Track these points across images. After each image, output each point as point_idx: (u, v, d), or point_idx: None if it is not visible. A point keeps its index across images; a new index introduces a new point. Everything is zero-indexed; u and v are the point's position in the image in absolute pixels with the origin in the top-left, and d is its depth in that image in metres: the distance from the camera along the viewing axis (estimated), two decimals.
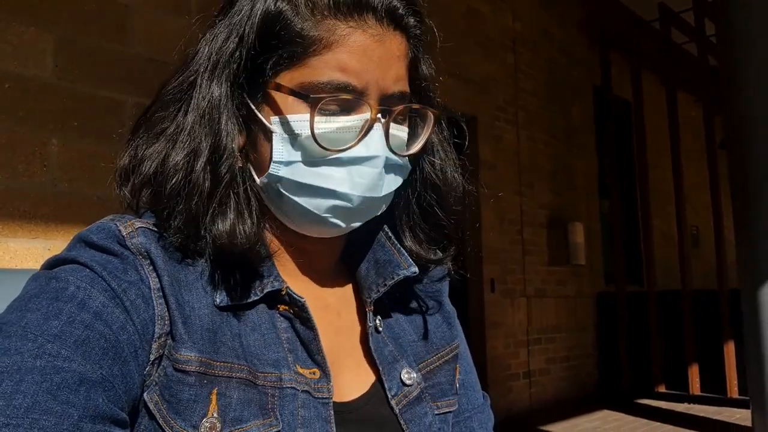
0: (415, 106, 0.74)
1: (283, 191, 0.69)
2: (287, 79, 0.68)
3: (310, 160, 0.68)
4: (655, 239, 7.05)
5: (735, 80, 4.69)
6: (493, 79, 5.77)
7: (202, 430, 0.60)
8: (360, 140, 0.68)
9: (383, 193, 0.71)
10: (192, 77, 0.71)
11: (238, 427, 0.62)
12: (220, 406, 0.62)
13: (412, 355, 0.79)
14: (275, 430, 0.63)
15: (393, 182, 0.73)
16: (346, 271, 0.82)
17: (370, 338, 0.75)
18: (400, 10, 0.70)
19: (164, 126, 0.71)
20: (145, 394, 0.61)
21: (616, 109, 7.33)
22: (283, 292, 0.69)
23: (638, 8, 7.36)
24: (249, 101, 0.70)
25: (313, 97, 0.66)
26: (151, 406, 0.60)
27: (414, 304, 0.84)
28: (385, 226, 0.79)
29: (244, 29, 0.68)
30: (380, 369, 0.75)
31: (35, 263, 2.39)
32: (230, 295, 0.67)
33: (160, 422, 0.60)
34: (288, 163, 0.68)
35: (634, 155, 7.46)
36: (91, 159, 2.62)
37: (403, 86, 0.72)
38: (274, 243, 0.74)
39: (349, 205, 0.69)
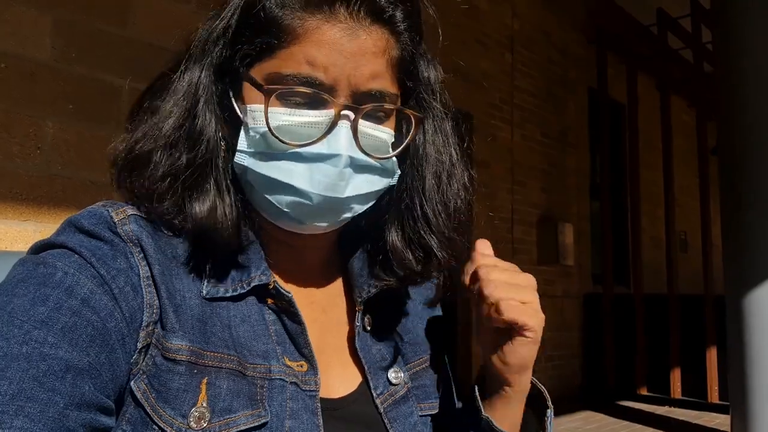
0: (388, 106, 0.69)
1: (250, 181, 0.69)
2: (258, 70, 0.68)
3: (272, 153, 0.67)
4: (643, 242, 7.09)
5: (729, 87, 4.71)
6: (490, 77, 5.77)
7: (191, 419, 0.60)
8: (324, 137, 0.66)
9: (347, 194, 0.68)
10: (182, 64, 0.71)
11: (227, 416, 0.62)
12: (209, 395, 0.62)
13: (401, 355, 0.79)
14: (264, 420, 0.63)
15: (366, 184, 0.70)
16: (337, 266, 0.81)
17: (357, 338, 0.75)
18: (380, 3, 0.67)
19: (153, 110, 0.71)
20: (131, 383, 0.60)
21: (610, 111, 7.35)
22: (271, 286, 0.69)
23: (636, 12, 7.37)
24: (229, 90, 0.70)
25: (267, 87, 0.65)
26: (139, 395, 0.60)
27: (405, 304, 0.83)
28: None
29: (229, 18, 0.69)
30: (366, 368, 0.75)
31: (25, 245, 2.37)
32: (217, 288, 0.67)
33: (147, 411, 0.60)
34: (252, 154, 0.68)
35: (626, 158, 7.49)
36: (86, 143, 2.60)
37: (383, 84, 0.68)
38: (263, 236, 0.73)
39: (308, 202, 0.67)
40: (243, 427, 0.62)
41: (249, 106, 0.67)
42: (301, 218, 0.69)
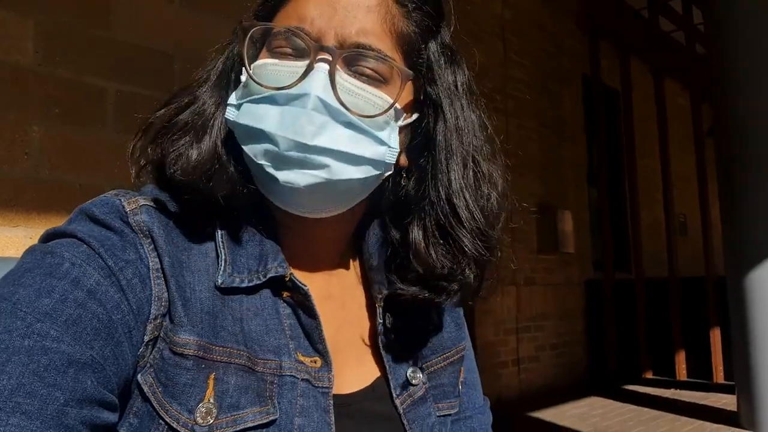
0: (370, 54, 0.66)
1: (237, 139, 0.67)
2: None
3: (251, 99, 0.66)
4: (643, 227, 7.09)
5: (722, 68, 4.70)
6: (482, 67, 5.74)
7: (198, 414, 0.59)
8: (298, 81, 0.64)
9: (315, 142, 0.63)
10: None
11: (235, 413, 0.61)
12: (216, 391, 0.61)
13: (419, 354, 0.77)
14: (272, 417, 0.62)
15: (346, 141, 0.65)
16: (355, 259, 0.80)
17: (380, 336, 0.73)
18: None
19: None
20: (138, 376, 0.60)
21: (604, 98, 7.34)
22: (287, 279, 0.68)
23: None
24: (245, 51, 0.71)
25: (244, 24, 0.67)
26: (146, 389, 0.59)
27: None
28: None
29: None
30: (386, 367, 0.73)
31: (16, 252, 2.37)
32: (233, 278, 0.65)
33: (154, 405, 0.59)
34: (238, 106, 0.67)
35: (622, 144, 7.49)
36: (73, 146, 2.59)
37: (374, 41, 0.66)
38: (276, 227, 0.71)
39: (276, 149, 0.63)
40: (251, 424, 0.61)
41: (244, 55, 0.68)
42: (275, 166, 0.64)
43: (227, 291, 0.65)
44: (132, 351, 0.59)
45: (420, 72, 0.71)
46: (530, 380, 5.98)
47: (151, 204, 0.65)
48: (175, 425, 0.59)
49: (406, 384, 0.74)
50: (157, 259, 0.62)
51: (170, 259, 0.63)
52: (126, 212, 0.63)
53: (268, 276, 0.67)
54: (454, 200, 0.71)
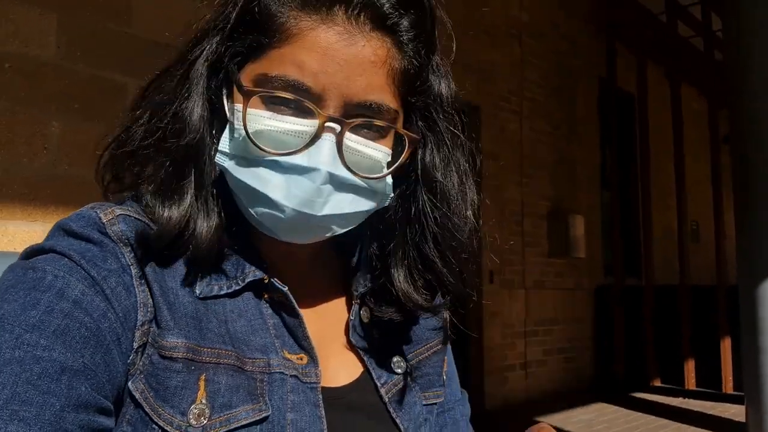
0: (379, 122, 0.65)
1: (229, 183, 0.67)
2: (248, 69, 0.65)
3: (250, 158, 0.64)
4: (655, 233, 7.05)
5: (740, 75, 4.66)
6: (498, 69, 5.74)
7: (191, 416, 0.59)
8: (305, 148, 0.62)
9: (324, 213, 0.64)
10: (181, 58, 0.69)
11: (227, 412, 0.61)
12: (208, 392, 0.61)
13: (403, 344, 0.78)
14: (265, 414, 0.62)
15: (348, 204, 0.66)
16: (334, 258, 0.80)
17: (352, 331, 0.75)
18: (384, 9, 0.63)
19: (148, 106, 0.69)
20: (129, 383, 0.60)
21: (619, 101, 7.30)
22: (266, 281, 0.68)
23: (645, 0, 7.31)
24: (222, 87, 0.68)
25: (247, 89, 0.62)
26: (137, 395, 0.59)
27: None
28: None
29: (229, 11, 0.66)
30: (365, 360, 0.74)
31: None
32: (211, 287, 0.66)
33: (147, 410, 0.59)
34: (231, 156, 0.65)
35: (636, 148, 7.45)
36: (92, 141, 2.59)
37: (380, 97, 0.64)
38: (252, 233, 0.71)
39: (281, 215, 0.64)
40: (244, 422, 0.61)
41: (235, 106, 0.65)
42: (275, 231, 0.67)
43: (208, 298, 0.66)
44: (122, 358, 0.59)
45: (414, 107, 0.71)
46: (537, 385, 5.97)
47: (128, 213, 0.65)
48: (169, 429, 0.59)
49: (391, 374, 0.75)
50: (138, 267, 0.62)
51: (151, 265, 0.63)
52: (103, 223, 0.63)
53: (247, 280, 0.67)
54: (439, 236, 0.72)
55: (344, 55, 0.62)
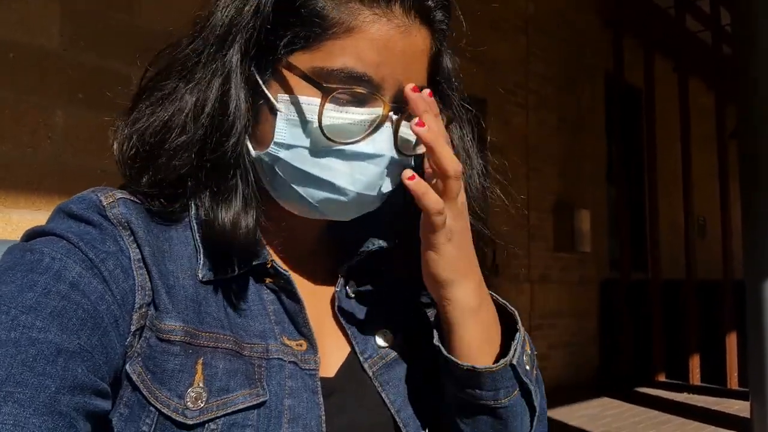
0: None
1: (279, 172, 0.67)
2: (301, 60, 0.65)
3: (314, 149, 0.66)
4: (661, 228, 7.03)
5: (749, 70, 4.63)
6: (505, 62, 5.71)
7: (188, 399, 0.60)
8: (368, 135, 0.65)
9: (382, 192, 0.69)
10: (202, 46, 0.68)
11: (225, 396, 0.61)
12: (205, 375, 0.61)
13: (391, 317, 0.78)
14: (262, 399, 0.63)
15: (395, 180, 0.70)
16: (333, 239, 0.80)
17: (337, 303, 0.74)
18: (429, 2, 0.67)
19: (171, 97, 0.68)
20: (127, 366, 0.60)
21: (626, 95, 7.27)
22: (268, 266, 0.68)
23: None
24: (257, 75, 0.67)
25: (326, 86, 0.64)
26: (135, 378, 0.60)
27: (392, 271, 0.80)
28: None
29: (263, 2, 0.66)
30: (349, 334, 0.74)
31: None
32: (214, 270, 0.66)
33: (144, 393, 0.59)
34: (289, 147, 0.66)
35: (643, 142, 7.42)
36: (96, 131, 2.60)
37: (422, 83, 0.69)
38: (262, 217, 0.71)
39: (343, 199, 0.67)
40: (241, 406, 0.62)
41: (300, 98, 0.65)
42: (327, 212, 0.69)
43: (210, 282, 0.66)
44: (119, 341, 0.59)
45: (436, 84, 0.74)
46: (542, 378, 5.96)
47: (129, 197, 0.65)
48: (166, 411, 0.59)
49: (376, 347, 0.74)
50: (137, 250, 0.63)
51: (150, 248, 0.63)
52: (103, 206, 0.63)
53: (250, 265, 0.68)
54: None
55: (402, 46, 0.65)
